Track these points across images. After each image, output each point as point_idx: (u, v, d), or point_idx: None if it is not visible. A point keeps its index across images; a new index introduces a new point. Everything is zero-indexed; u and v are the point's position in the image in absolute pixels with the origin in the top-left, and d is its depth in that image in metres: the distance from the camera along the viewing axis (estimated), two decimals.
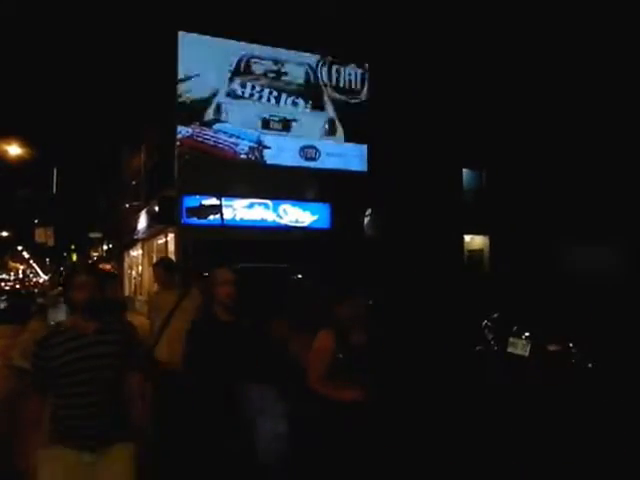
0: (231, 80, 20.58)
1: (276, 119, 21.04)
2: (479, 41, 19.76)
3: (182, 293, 5.85)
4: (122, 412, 3.46)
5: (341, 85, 22.26)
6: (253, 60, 20.94)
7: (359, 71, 22.56)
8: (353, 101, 22.31)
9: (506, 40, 19.36)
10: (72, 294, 3.45)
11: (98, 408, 3.34)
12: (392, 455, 3.82)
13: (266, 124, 20.86)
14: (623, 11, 17.51)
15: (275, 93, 21.17)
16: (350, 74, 22.44)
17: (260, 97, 20.94)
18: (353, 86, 22.45)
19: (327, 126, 21.77)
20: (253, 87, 20.90)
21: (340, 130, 21.82)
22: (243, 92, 20.75)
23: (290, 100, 21.39)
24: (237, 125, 20.33)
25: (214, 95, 20.20)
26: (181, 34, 19.52)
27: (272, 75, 21.20)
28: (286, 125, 21.16)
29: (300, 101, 21.50)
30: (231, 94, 20.51)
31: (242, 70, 20.75)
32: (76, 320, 3.45)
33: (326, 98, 21.94)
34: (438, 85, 20.31)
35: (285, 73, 21.41)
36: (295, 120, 21.29)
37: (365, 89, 22.45)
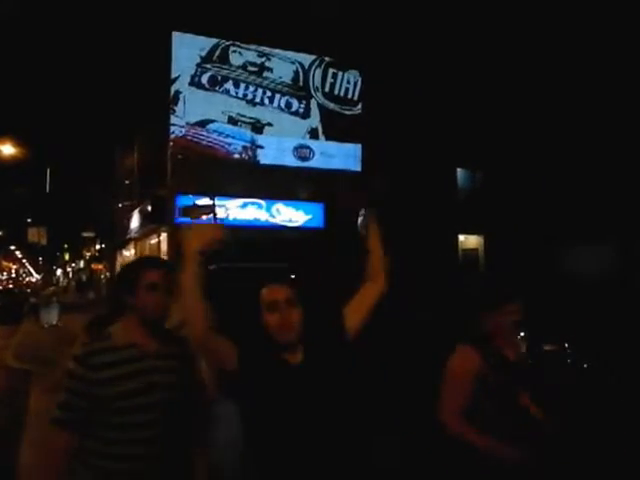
0: (198, 67, 19.57)
1: (245, 120, 20.13)
2: (474, 41, 19.69)
3: None
4: (183, 463, 2.59)
5: (335, 92, 21.38)
6: (232, 49, 19.97)
7: (359, 79, 21.56)
8: (347, 113, 21.49)
9: (501, 40, 19.30)
10: (146, 304, 2.55)
11: (157, 460, 2.48)
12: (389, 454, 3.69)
13: (232, 123, 20.03)
14: (621, 11, 17.49)
15: (252, 89, 20.22)
16: (348, 81, 21.49)
17: (236, 92, 20.01)
18: (349, 95, 21.55)
19: (308, 136, 20.92)
20: (225, 79, 19.92)
21: (322, 139, 21.10)
22: (211, 83, 19.67)
23: (268, 100, 20.46)
24: (194, 119, 19.47)
25: (174, 80, 19.37)
26: (175, 34, 19.33)
27: (253, 69, 20.19)
28: (257, 128, 20.23)
29: (282, 103, 20.64)
30: (195, 83, 19.55)
31: (215, 58, 19.77)
32: (135, 333, 2.56)
33: (314, 105, 21.13)
34: (432, 84, 20.21)
35: (269, 69, 20.44)
36: (269, 124, 20.40)
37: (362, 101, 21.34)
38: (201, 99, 19.63)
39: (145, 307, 2.57)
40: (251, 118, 20.26)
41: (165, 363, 2.56)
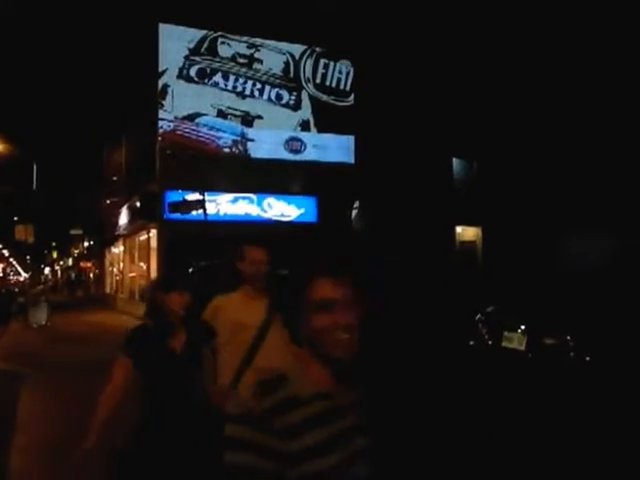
0: (187, 60, 19.29)
1: (236, 113, 19.88)
2: (470, 27, 19.49)
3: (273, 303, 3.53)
4: None
5: (327, 83, 21.17)
6: (221, 40, 19.66)
7: (351, 70, 21.33)
8: (339, 104, 21.27)
9: (497, 27, 19.12)
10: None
11: None
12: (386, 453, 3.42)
13: (222, 117, 19.75)
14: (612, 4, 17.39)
15: (241, 81, 19.94)
16: (340, 71, 21.28)
17: (225, 85, 19.73)
18: (341, 86, 21.37)
19: (298, 128, 20.69)
20: (214, 72, 19.63)
21: (314, 131, 20.89)
22: (200, 76, 19.40)
23: (258, 92, 20.17)
24: (183, 113, 19.22)
25: (161, 74, 19.08)
26: (162, 26, 19.06)
27: (242, 61, 19.91)
28: (247, 121, 19.99)
29: (272, 95, 20.35)
30: (184, 76, 19.26)
31: (204, 50, 19.49)
32: (317, 374, 1.60)
33: (305, 96, 20.87)
34: (427, 72, 19.97)
35: (259, 60, 20.16)
36: (259, 117, 20.14)
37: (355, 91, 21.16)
38: (190, 92, 19.35)
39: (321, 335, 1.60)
40: (241, 111, 20.00)
41: (361, 418, 1.68)
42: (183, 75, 19.26)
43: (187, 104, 19.26)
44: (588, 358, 6.66)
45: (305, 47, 20.83)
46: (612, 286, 8.27)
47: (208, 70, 19.60)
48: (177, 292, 3.17)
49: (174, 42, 19.14)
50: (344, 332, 1.56)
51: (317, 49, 20.96)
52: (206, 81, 19.57)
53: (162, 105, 19.05)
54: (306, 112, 20.82)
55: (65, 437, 6.53)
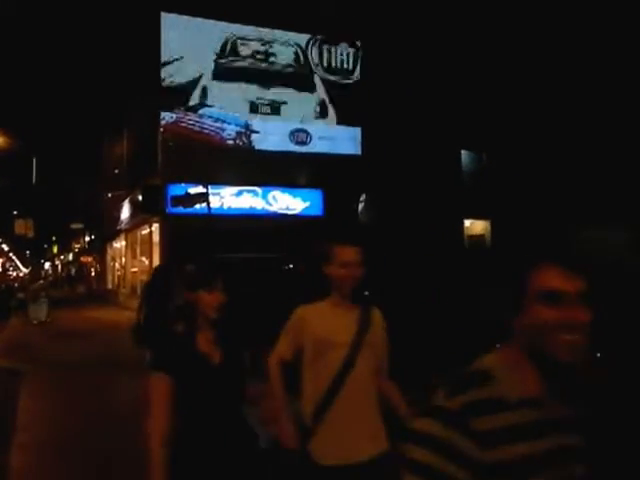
0: (217, 62, 19.95)
1: (264, 102, 20.48)
2: (479, 15, 19.22)
3: (364, 311, 3.01)
4: None
5: (332, 65, 21.80)
6: (240, 42, 20.35)
7: (351, 50, 22.13)
8: (345, 82, 21.85)
9: (508, 15, 18.85)
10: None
11: None
12: None
13: (254, 108, 20.35)
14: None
15: (263, 74, 20.58)
16: (342, 54, 21.99)
17: (248, 80, 20.27)
18: (345, 66, 22.03)
19: (318, 108, 21.29)
20: (240, 69, 20.26)
21: (332, 112, 21.38)
22: (230, 75, 20.04)
23: (279, 82, 20.79)
24: (224, 109, 19.73)
25: (199, 78, 19.56)
26: (163, 15, 18.92)
27: (260, 57, 20.63)
28: (275, 108, 20.64)
29: (289, 83, 20.90)
30: (217, 77, 19.85)
31: (228, 52, 20.16)
32: (528, 378, 1.40)
33: (317, 79, 21.44)
34: (435, 62, 19.70)
35: (273, 54, 20.83)
36: (284, 103, 20.73)
37: (358, 69, 22.02)
38: (226, 90, 19.87)
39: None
40: (269, 100, 20.52)
41: (581, 440, 1.47)
42: (216, 75, 19.89)
43: (224, 100, 19.87)
44: (598, 355, 6.19)
45: (309, 36, 21.29)
46: (624, 280, 8.03)
47: (235, 68, 20.21)
48: (205, 290, 2.72)
49: (175, 31, 19.07)
50: (573, 332, 1.38)
51: (319, 37, 21.49)
52: (236, 78, 20.17)
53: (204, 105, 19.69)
54: (321, 93, 21.42)
55: (65, 435, 6.63)
